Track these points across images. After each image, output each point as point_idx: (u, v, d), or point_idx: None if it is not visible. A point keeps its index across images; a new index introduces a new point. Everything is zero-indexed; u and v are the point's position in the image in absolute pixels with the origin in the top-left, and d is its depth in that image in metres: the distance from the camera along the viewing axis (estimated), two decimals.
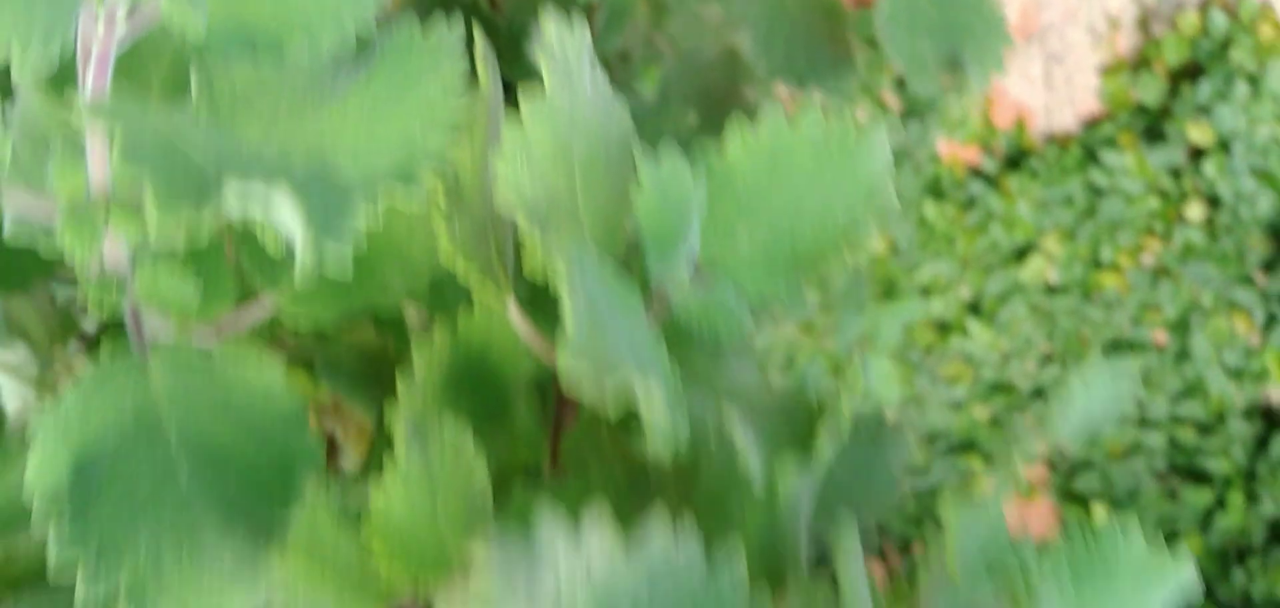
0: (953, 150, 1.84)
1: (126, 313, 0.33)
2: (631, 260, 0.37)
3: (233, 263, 0.36)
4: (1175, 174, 1.75)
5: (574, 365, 0.29)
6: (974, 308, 1.96)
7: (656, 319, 0.37)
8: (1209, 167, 1.72)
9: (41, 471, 0.29)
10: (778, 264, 0.38)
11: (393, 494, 0.32)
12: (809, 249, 0.38)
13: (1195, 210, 1.68)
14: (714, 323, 0.37)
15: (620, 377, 0.29)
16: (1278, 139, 1.73)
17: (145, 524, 0.27)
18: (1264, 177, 1.71)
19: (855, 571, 0.34)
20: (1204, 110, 1.76)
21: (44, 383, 0.50)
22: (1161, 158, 1.75)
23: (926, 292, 1.94)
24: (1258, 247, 1.66)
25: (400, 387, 0.37)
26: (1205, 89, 1.74)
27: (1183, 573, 0.39)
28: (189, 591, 0.27)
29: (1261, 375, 1.70)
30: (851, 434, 0.41)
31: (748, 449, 0.33)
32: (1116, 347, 1.83)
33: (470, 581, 0.28)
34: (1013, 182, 1.82)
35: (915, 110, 1.87)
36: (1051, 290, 1.85)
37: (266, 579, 0.27)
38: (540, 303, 0.36)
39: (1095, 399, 0.40)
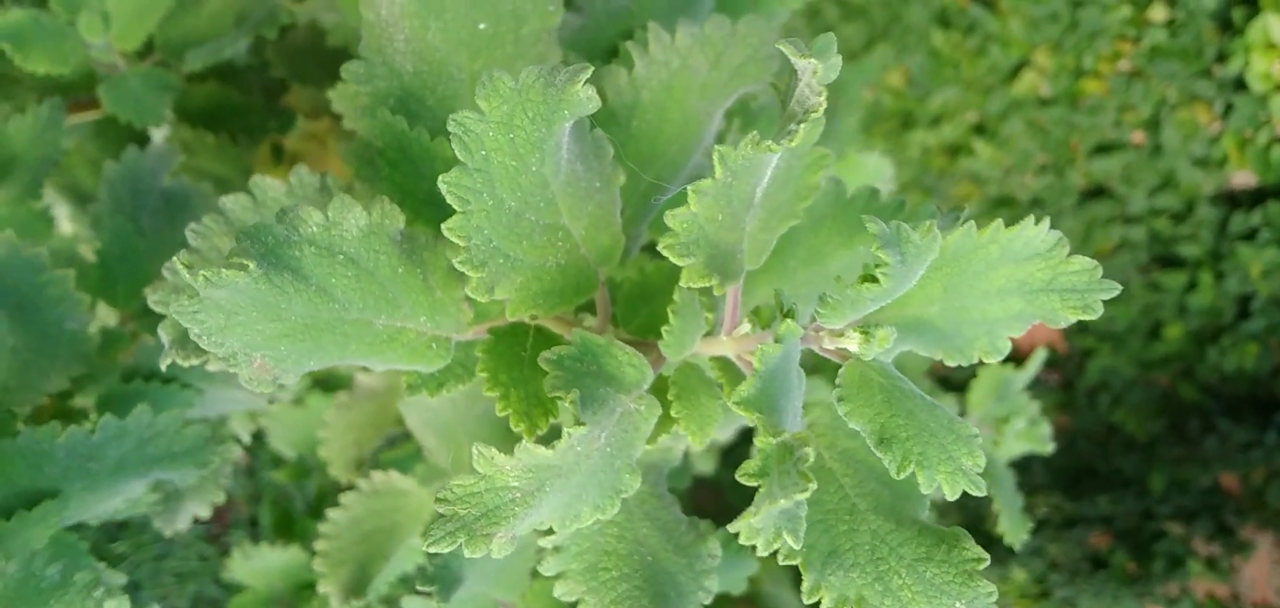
0: None
1: None
2: None
3: None
4: None
5: None
6: (979, 129, 2.09)
7: None
8: None
9: None
10: None
11: None
12: None
13: (1159, 11, 1.79)
14: None
15: None
16: None
17: None
18: None
19: None
20: None
21: None
22: None
23: (937, 120, 2.07)
24: (1212, 41, 1.76)
25: None
26: None
27: None
28: None
29: (1223, 162, 1.81)
30: None
31: None
32: (1101, 150, 1.94)
33: None
34: (1006, 1, 1.95)
35: None
36: (1043, 103, 1.97)
37: None
38: None
39: None
